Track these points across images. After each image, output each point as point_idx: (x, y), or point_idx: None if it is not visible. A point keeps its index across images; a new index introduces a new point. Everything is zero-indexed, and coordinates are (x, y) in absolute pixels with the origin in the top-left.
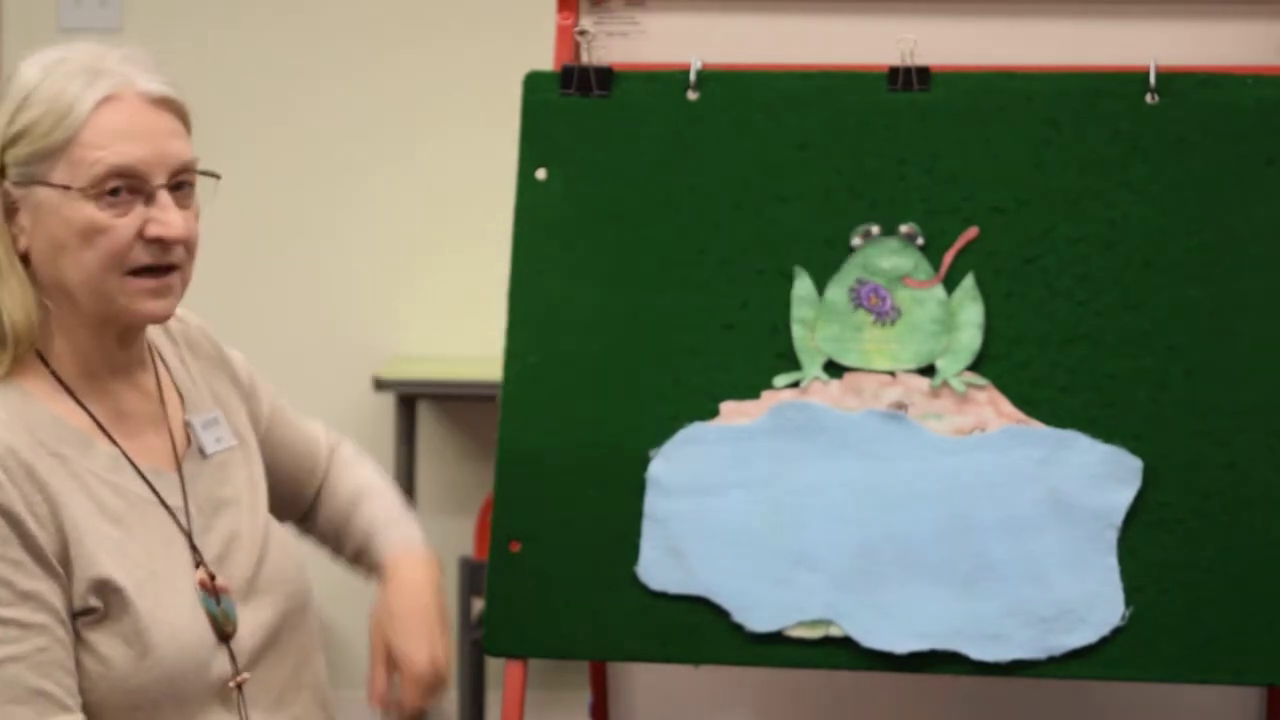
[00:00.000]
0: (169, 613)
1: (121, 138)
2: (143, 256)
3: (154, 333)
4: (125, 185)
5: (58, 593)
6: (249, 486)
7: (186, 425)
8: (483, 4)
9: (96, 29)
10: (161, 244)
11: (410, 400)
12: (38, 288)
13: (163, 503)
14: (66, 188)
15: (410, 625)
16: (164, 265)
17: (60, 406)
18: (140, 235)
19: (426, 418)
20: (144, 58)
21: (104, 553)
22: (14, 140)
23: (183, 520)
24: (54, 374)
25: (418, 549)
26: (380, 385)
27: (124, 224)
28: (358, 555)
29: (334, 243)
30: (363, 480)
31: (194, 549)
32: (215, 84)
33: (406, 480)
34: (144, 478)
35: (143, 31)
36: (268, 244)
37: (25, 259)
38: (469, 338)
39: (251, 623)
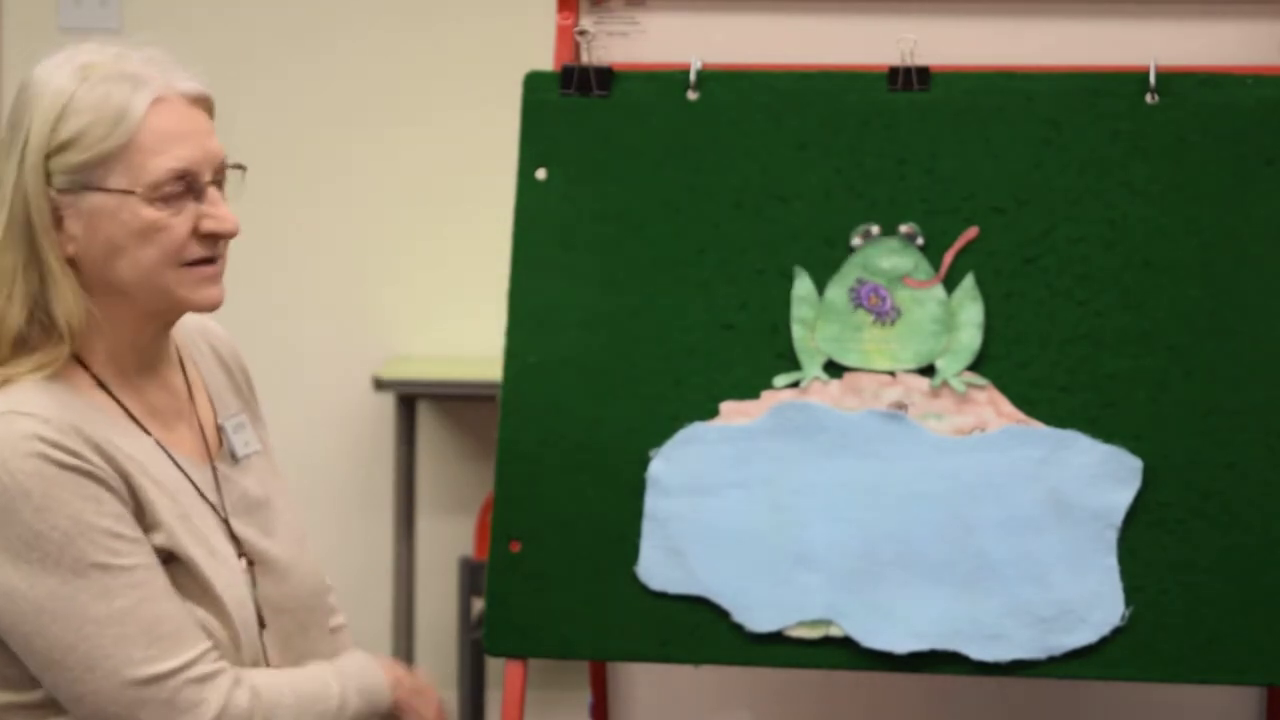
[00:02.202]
0: (229, 589)
1: (174, 140)
2: (198, 250)
3: (193, 338)
4: (181, 188)
5: (149, 546)
6: (278, 491)
7: (219, 429)
8: (483, 4)
9: (96, 29)
10: (214, 238)
11: (410, 400)
12: (83, 291)
13: (200, 493)
14: (126, 192)
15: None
16: (214, 256)
17: (98, 399)
18: (194, 231)
19: (426, 418)
20: (165, 57)
21: (171, 521)
22: (62, 148)
23: (220, 511)
24: (92, 375)
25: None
26: (380, 385)
27: (179, 222)
28: None
29: (334, 243)
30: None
31: (235, 539)
32: (214, 84)
33: (406, 480)
34: (181, 470)
35: (142, 31)
36: (267, 244)
37: (70, 263)
38: (469, 338)
39: (273, 624)
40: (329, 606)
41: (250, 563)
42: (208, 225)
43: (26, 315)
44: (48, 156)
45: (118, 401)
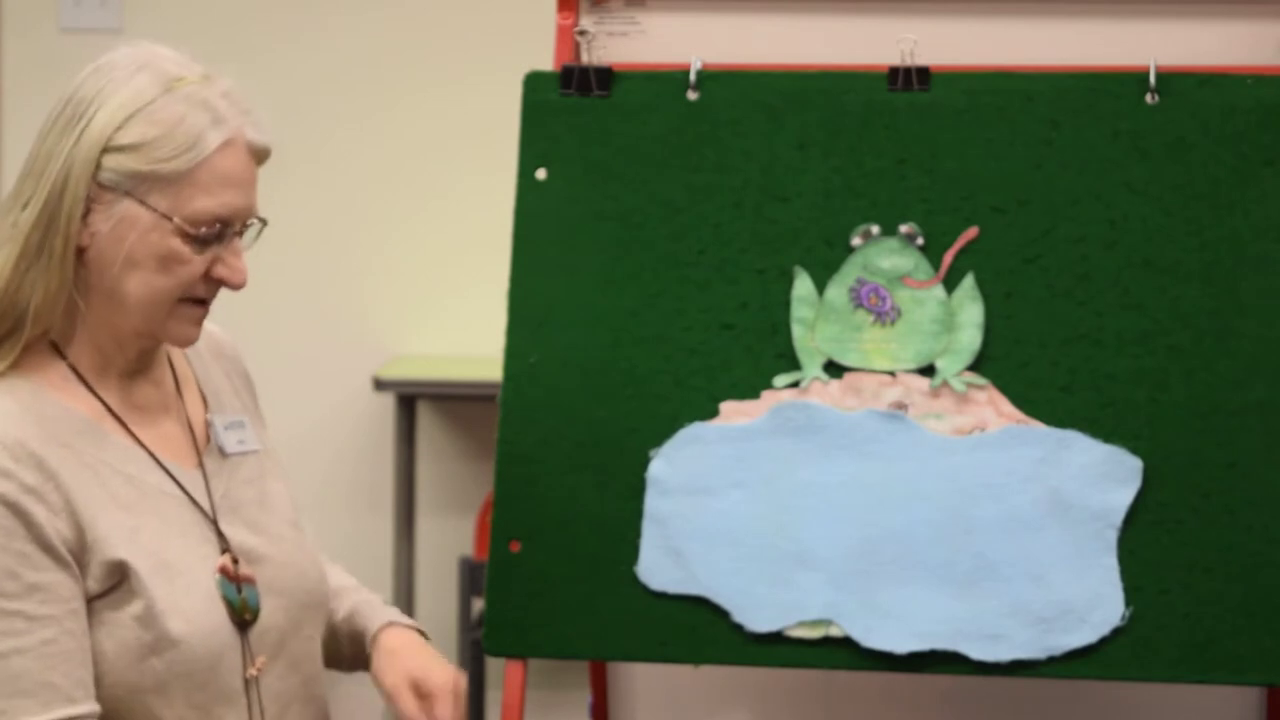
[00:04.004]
0: (182, 599)
1: (230, 186)
2: (201, 291)
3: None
4: (216, 231)
5: (68, 584)
6: (274, 490)
7: (208, 424)
8: (483, 4)
9: (96, 29)
10: (219, 284)
11: (410, 400)
12: (80, 285)
13: (184, 490)
14: (164, 216)
15: (423, 655)
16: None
17: (72, 397)
18: (206, 273)
19: (426, 418)
20: (242, 96)
21: (117, 537)
22: (123, 149)
23: (206, 508)
24: (71, 366)
25: (407, 621)
26: (380, 385)
27: (199, 261)
28: (342, 627)
29: (334, 243)
30: (344, 579)
31: (220, 535)
32: None
33: (406, 480)
34: (163, 467)
35: (142, 32)
36: (267, 244)
37: (79, 253)
38: (469, 338)
39: (265, 622)
40: (325, 619)
41: (235, 560)
42: (219, 272)
43: (5, 303)
44: (104, 150)
45: (98, 397)
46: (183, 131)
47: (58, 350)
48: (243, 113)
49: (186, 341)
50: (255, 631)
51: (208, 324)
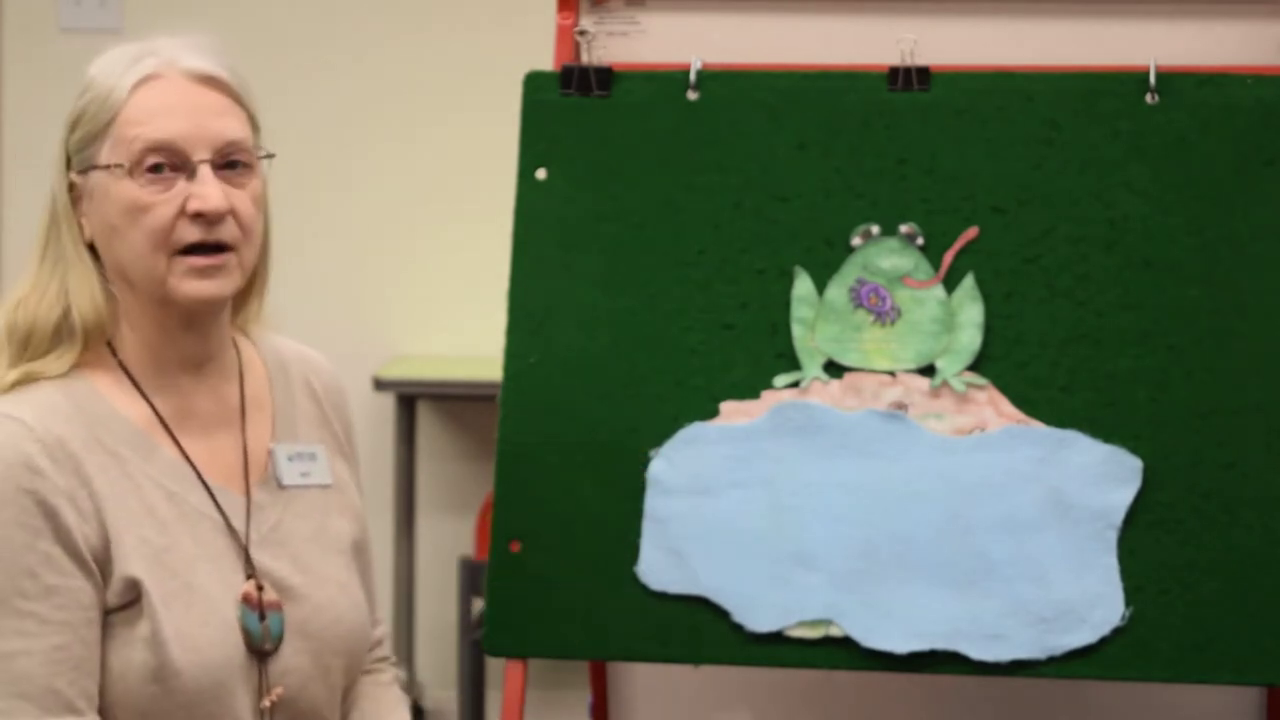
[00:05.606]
0: (196, 627)
1: (160, 114)
2: (189, 234)
3: (284, 361)
4: (166, 162)
5: (88, 591)
6: (335, 527)
7: (269, 452)
8: (483, 4)
9: (96, 29)
10: (205, 220)
11: (410, 400)
12: (111, 279)
13: (222, 514)
14: (112, 166)
15: None
16: (213, 244)
17: (126, 402)
18: (183, 212)
19: (426, 418)
20: (202, 42)
21: (139, 556)
22: (72, 128)
23: (241, 534)
24: (122, 366)
25: None
26: (380, 385)
27: (165, 200)
28: None
29: (334, 242)
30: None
31: (249, 560)
32: None
33: (406, 480)
34: (206, 487)
35: (142, 32)
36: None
37: (92, 248)
38: (469, 338)
39: (288, 661)
40: (362, 664)
41: (260, 588)
42: (191, 204)
43: (63, 310)
44: (66, 138)
45: (147, 402)
46: (99, 87)
47: (112, 350)
48: (173, 49)
49: (196, 298)
50: (275, 665)
51: (315, 353)
